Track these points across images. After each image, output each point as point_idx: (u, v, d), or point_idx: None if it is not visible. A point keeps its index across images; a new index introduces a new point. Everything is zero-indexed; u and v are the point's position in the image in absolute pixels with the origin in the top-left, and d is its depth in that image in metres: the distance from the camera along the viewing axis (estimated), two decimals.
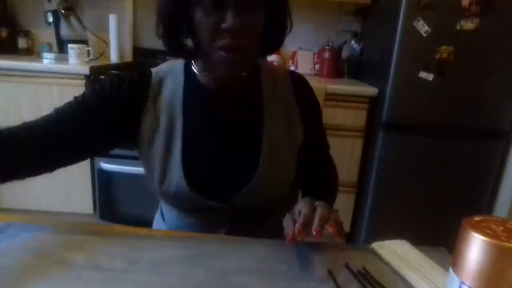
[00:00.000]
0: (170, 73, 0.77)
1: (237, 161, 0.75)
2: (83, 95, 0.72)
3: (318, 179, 0.87)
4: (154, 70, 0.77)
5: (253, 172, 0.73)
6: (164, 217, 0.87)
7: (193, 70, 0.75)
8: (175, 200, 0.76)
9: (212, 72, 0.72)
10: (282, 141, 0.76)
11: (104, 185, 2.03)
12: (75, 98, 0.72)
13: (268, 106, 0.76)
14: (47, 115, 0.70)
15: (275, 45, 0.74)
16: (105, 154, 0.83)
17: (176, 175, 0.72)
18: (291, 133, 0.78)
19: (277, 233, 0.69)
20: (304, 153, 0.82)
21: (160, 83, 0.75)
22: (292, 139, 0.79)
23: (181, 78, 0.75)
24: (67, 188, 2.06)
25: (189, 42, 0.70)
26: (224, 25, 0.61)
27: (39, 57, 2.22)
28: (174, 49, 0.71)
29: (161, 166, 0.73)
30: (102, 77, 1.92)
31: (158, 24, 0.68)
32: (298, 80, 0.83)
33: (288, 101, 0.79)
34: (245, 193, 0.74)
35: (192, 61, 0.75)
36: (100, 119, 0.71)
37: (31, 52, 2.38)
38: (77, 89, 1.94)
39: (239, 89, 0.76)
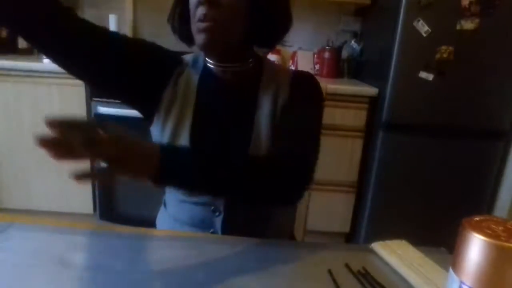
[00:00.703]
0: (193, 60, 0.84)
1: (233, 143, 0.80)
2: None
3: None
4: (184, 55, 0.86)
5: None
6: (166, 205, 0.89)
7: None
8: None
9: (198, 47, 0.76)
10: (270, 128, 0.79)
11: (104, 185, 2.03)
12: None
13: (261, 98, 0.81)
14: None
15: (270, 38, 0.78)
16: (107, 93, 0.84)
17: (184, 142, 0.78)
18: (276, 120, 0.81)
19: (271, 221, 0.77)
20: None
21: (185, 66, 0.84)
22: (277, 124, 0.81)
23: (200, 66, 0.83)
24: (67, 188, 2.06)
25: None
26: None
27: (39, 57, 2.21)
28: (182, 36, 0.78)
29: (172, 133, 0.79)
30: None
31: (172, 15, 0.78)
32: (299, 78, 0.84)
33: (280, 100, 0.81)
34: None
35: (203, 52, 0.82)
36: (133, 56, 0.77)
37: (31, 52, 2.37)
38: (77, 89, 1.94)
39: (241, 80, 0.81)
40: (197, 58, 0.85)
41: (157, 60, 0.80)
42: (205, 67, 0.83)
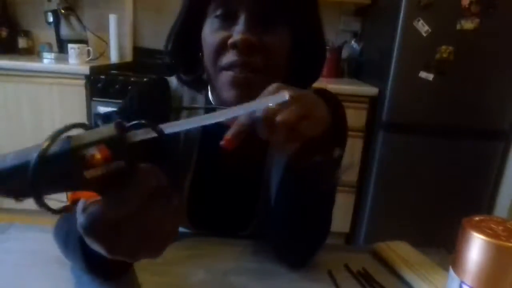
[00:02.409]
0: (189, 95, 0.69)
1: (238, 206, 0.71)
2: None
3: None
4: (173, 84, 0.69)
5: (252, 219, 0.70)
6: None
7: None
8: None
9: (221, 101, 0.60)
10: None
11: None
12: None
13: (272, 153, 0.67)
14: None
15: (313, 74, 0.64)
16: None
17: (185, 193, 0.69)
18: None
19: None
20: None
21: (179, 103, 0.68)
22: None
23: (201, 105, 0.67)
24: None
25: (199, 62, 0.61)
26: (231, 40, 0.51)
27: (39, 57, 2.22)
28: (187, 70, 0.63)
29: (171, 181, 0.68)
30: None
31: (168, 43, 0.61)
32: (328, 103, 0.72)
33: None
34: (249, 230, 0.71)
35: (209, 91, 0.66)
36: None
37: (31, 52, 2.38)
38: (77, 89, 1.94)
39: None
40: (194, 93, 0.68)
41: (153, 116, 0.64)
42: (208, 106, 0.66)
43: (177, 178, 0.66)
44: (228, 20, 0.53)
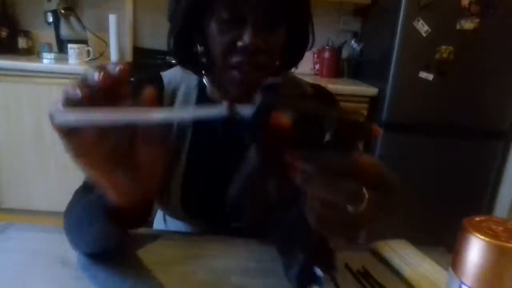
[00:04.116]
0: (184, 85, 0.72)
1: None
2: None
3: None
4: (166, 77, 0.72)
5: None
6: (165, 220, 0.86)
7: (205, 88, 0.71)
8: (173, 216, 0.76)
9: (223, 90, 0.67)
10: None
11: None
12: None
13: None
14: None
15: (294, 62, 0.69)
16: None
17: (174, 200, 0.70)
18: None
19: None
20: None
21: (174, 94, 0.71)
22: None
23: (193, 93, 0.71)
24: (67, 188, 2.05)
25: (201, 54, 0.64)
26: (240, 43, 0.56)
27: (39, 57, 2.21)
28: (185, 62, 0.67)
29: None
30: None
31: (170, 35, 0.64)
32: (322, 99, 0.76)
33: None
34: (243, 221, 0.70)
35: (204, 75, 0.70)
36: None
37: (31, 52, 2.38)
38: None
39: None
40: (188, 83, 0.71)
41: None
42: (201, 98, 0.70)
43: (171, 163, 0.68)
44: (235, 23, 0.56)
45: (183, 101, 0.70)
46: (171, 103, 0.70)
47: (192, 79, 0.72)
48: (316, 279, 0.45)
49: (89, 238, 0.55)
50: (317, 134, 0.29)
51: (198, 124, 0.68)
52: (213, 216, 0.70)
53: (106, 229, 0.48)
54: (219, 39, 0.58)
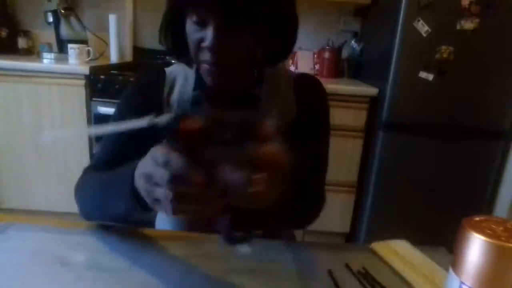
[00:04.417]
0: (183, 73, 0.79)
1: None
2: (119, 112, 0.79)
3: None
4: (169, 69, 0.80)
5: None
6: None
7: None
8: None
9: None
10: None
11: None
12: (112, 117, 0.78)
13: (265, 110, 0.76)
14: (99, 156, 0.76)
15: (280, 56, 0.72)
16: None
17: None
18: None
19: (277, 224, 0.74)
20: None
21: (173, 82, 0.78)
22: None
23: (192, 77, 0.77)
24: (67, 188, 2.05)
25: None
26: (203, 44, 0.61)
27: (39, 57, 2.22)
28: (176, 55, 0.72)
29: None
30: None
31: (160, 30, 0.69)
32: (305, 87, 0.79)
33: (287, 109, 0.77)
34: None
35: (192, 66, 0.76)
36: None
37: (31, 52, 2.38)
38: (77, 89, 1.94)
39: (240, 93, 0.74)
40: (186, 71, 0.78)
41: (149, 104, 0.75)
42: (198, 81, 0.76)
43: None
44: (201, 24, 0.62)
45: (182, 86, 0.77)
46: (171, 90, 0.77)
47: (190, 69, 0.79)
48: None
49: (112, 211, 0.62)
50: (220, 135, 0.41)
51: (197, 100, 0.75)
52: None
53: (133, 205, 0.53)
54: (190, 38, 0.63)
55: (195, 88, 0.76)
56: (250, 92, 0.76)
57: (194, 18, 0.61)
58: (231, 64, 0.64)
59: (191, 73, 0.78)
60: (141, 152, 0.69)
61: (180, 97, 0.76)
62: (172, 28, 0.68)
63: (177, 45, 0.68)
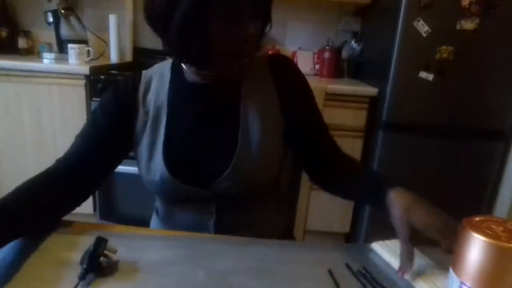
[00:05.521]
0: (158, 71, 0.82)
1: (216, 148, 0.77)
2: (93, 117, 0.79)
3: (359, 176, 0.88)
4: (145, 71, 0.83)
5: (232, 158, 0.75)
6: (158, 212, 0.90)
7: (179, 68, 0.80)
8: (162, 190, 0.79)
9: (212, 72, 0.75)
10: (260, 129, 0.77)
11: (104, 185, 2.03)
12: (87, 122, 0.79)
13: (245, 95, 0.79)
14: (65, 155, 0.78)
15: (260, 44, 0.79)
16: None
17: (159, 164, 0.75)
18: (270, 122, 0.78)
19: (265, 222, 0.82)
20: (298, 140, 0.83)
21: (149, 81, 0.80)
22: (272, 127, 0.79)
23: (167, 75, 0.80)
24: None
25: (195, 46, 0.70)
26: (240, 33, 0.66)
27: (39, 57, 2.22)
28: (182, 56, 0.73)
29: (147, 157, 0.77)
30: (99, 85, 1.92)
31: (166, 33, 0.69)
32: (279, 67, 0.82)
33: (267, 91, 0.79)
34: (225, 178, 0.75)
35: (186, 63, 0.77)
36: (113, 137, 0.77)
37: (31, 52, 2.38)
38: (77, 89, 1.94)
39: (220, 82, 0.78)
40: (163, 68, 0.82)
41: (123, 110, 0.78)
42: (174, 76, 0.80)
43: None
44: (231, 17, 0.65)
45: (159, 80, 0.80)
46: (147, 90, 0.79)
47: (167, 63, 0.83)
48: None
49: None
50: None
51: (173, 103, 0.78)
52: (198, 175, 0.76)
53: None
54: (220, 35, 0.66)
55: (171, 84, 0.79)
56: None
57: (223, 12, 0.64)
58: (252, 53, 0.72)
59: (166, 71, 0.81)
60: (104, 161, 0.77)
61: (156, 95, 0.79)
62: (195, 28, 0.66)
63: (197, 46, 0.68)
